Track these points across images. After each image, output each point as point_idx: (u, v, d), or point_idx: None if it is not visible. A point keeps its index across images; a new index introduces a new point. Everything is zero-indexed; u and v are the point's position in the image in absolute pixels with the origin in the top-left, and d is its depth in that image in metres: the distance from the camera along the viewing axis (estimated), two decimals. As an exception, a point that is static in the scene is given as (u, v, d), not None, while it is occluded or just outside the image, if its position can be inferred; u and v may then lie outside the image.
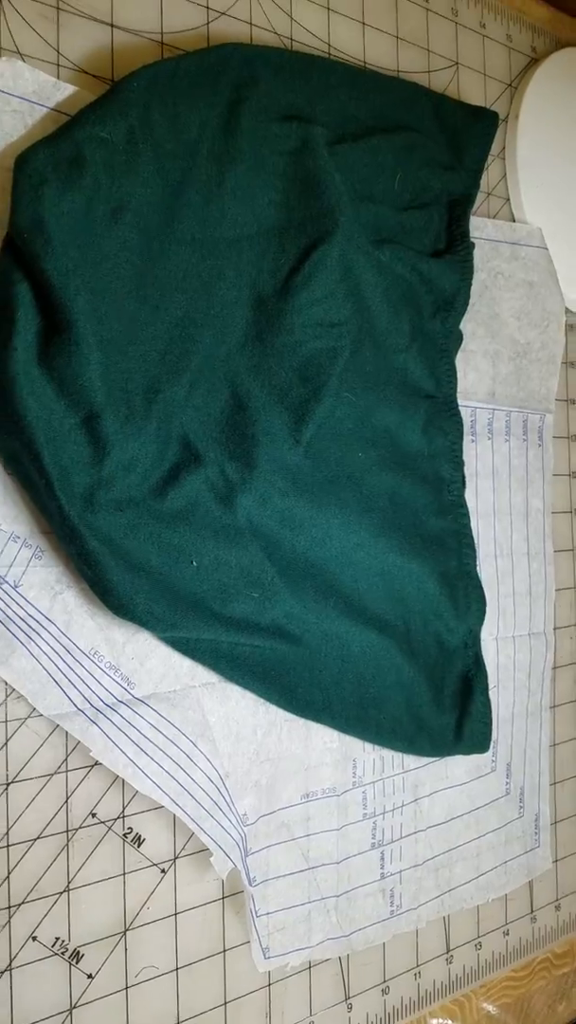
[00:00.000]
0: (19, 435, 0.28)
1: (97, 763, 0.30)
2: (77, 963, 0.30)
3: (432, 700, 0.37)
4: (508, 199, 0.45)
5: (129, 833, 0.31)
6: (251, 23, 0.38)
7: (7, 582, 0.30)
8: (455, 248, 0.40)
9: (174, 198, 0.33)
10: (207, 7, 0.37)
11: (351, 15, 0.41)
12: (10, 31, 0.32)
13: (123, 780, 0.31)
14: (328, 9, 0.40)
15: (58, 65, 0.33)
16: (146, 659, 0.32)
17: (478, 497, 0.41)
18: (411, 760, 0.38)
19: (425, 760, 0.38)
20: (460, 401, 0.40)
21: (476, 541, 0.40)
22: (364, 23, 0.41)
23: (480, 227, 0.43)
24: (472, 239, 0.41)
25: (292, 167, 0.35)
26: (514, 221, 0.45)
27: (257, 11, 0.38)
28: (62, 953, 0.30)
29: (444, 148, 0.41)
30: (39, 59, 0.32)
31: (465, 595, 0.38)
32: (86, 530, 0.29)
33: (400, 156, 0.39)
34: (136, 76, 0.32)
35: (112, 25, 0.34)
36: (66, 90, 0.32)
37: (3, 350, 0.28)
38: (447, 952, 0.40)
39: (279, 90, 0.36)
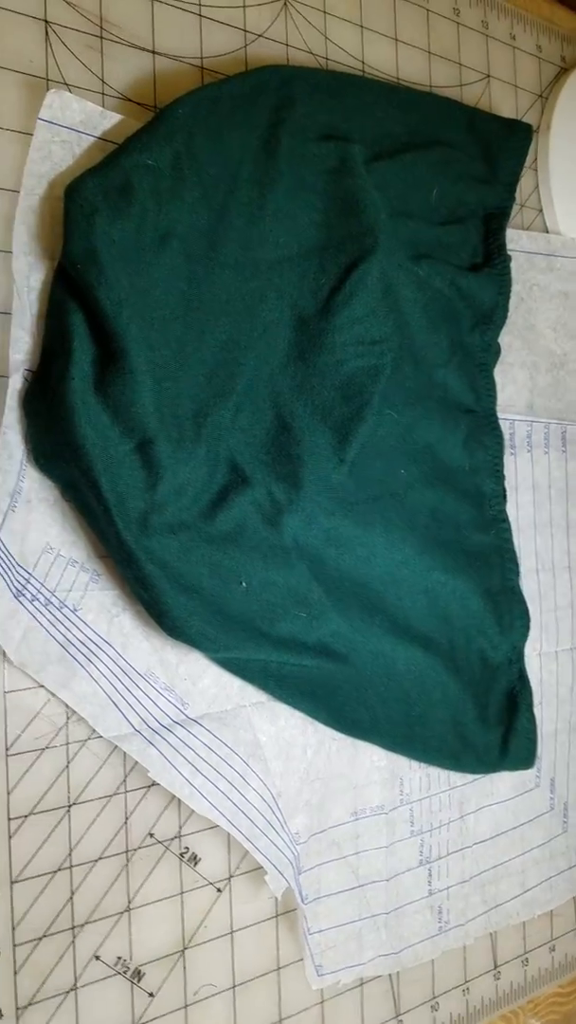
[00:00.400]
0: (77, 463, 0.29)
1: (154, 783, 0.31)
2: (139, 982, 0.30)
3: (477, 717, 0.37)
4: (541, 210, 0.45)
5: (186, 852, 0.32)
6: (287, 44, 0.38)
7: (67, 607, 0.30)
8: (492, 262, 0.40)
9: (217, 222, 0.33)
10: (244, 30, 0.37)
11: (384, 32, 0.41)
12: (56, 62, 0.32)
13: (179, 800, 0.31)
14: (361, 27, 0.41)
15: (103, 94, 0.33)
16: (198, 679, 0.32)
17: (518, 510, 0.41)
18: (457, 777, 0.38)
19: (470, 777, 0.38)
20: (499, 414, 0.41)
21: (518, 555, 0.40)
22: (397, 39, 0.42)
23: (515, 239, 0.43)
24: (508, 252, 0.41)
25: (331, 186, 0.36)
26: (548, 232, 0.45)
27: (293, 32, 0.38)
28: (124, 972, 0.30)
29: (479, 161, 0.41)
30: (85, 88, 0.33)
31: (508, 611, 0.38)
32: (142, 554, 0.29)
33: (436, 171, 0.39)
34: (180, 103, 0.32)
35: (154, 52, 0.34)
36: (112, 118, 0.33)
37: (61, 380, 0.29)
38: (495, 968, 0.40)
39: (317, 110, 0.36)
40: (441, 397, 0.38)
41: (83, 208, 0.30)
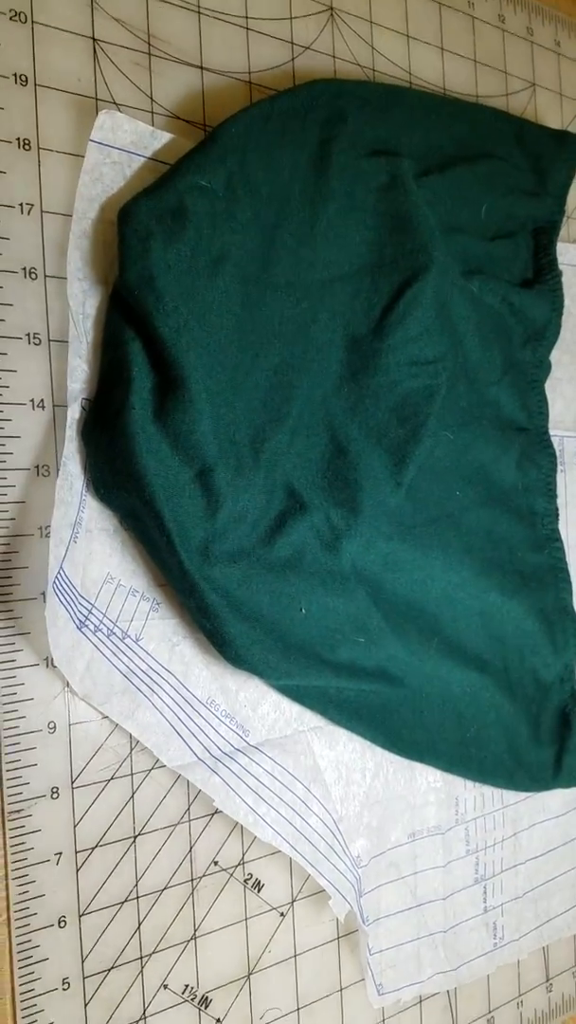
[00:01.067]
0: (139, 493, 0.28)
1: (217, 811, 0.31)
2: (206, 1008, 0.30)
3: (531, 736, 0.37)
4: (587, 221, 0.45)
5: (249, 879, 0.32)
6: (334, 56, 0.38)
7: (129, 636, 0.30)
8: (543, 277, 0.39)
9: (269, 243, 0.33)
10: (291, 43, 0.36)
11: (430, 41, 0.40)
12: (105, 81, 0.32)
13: (241, 827, 0.31)
14: (408, 37, 0.40)
15: (152, 112, 0.33)
16: (258, 705, 0.32)
17: (568, 528, 0.41)
18: (510, 795, 0.38)
19: (523, 795, 0.38)
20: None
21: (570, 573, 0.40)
22: (443, 48, 0.41)
23: (562, 252, 0.42)
24: (559, 266, 0.40)
25: (383, 203, 0.35)
26: (593, 243, 0.45)
27: (340, 43, 0.38)
28: (192, 1000, 0.30)
29: (528, 174, 0.40)
30: (133, 107, 0.32)
31: (562, 630, 0.38)
32: (204, 583, 0.29)
33: (485, 185, 0.39)
34: (233, 121, 0.32)
35: (202, 67, 0.34)
36: (162, 138, 0.32)
37: (122, 410, 0.28)
38: (547, 981, 0.40)
39: (366, 125, 0.35)
40: (494, 416, 0.37)
41: (138, 232, 0.29)
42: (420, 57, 0.40)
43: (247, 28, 0.35)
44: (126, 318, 0.30)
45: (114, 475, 0.29)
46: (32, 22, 0.30)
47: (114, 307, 0.30)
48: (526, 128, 0.40)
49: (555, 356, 0.41)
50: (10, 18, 0.29)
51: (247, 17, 0.35)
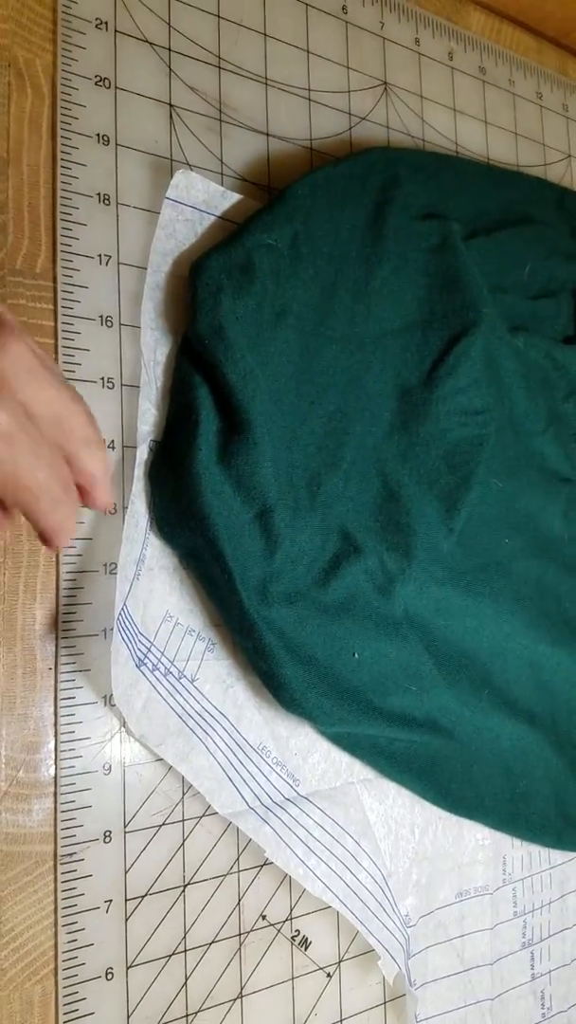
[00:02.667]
0: (202, 532, 0.29)
1: (267, 863, 0.30)
2: (251, 1075, 0.29)
3: (579, 791, 0.36)
4: (622, 283, 0.46)
5: (297, 936, 0.31)
6: (388, 126, 0.40)
7: (185, 676, 0.30)
8: (585, 335, 0.41)
9: (328, 299, 0.34)
10: (349, 113, 0.38)
11: (475, 115, 0.43)
12: (179, 142, 0.33)
13: (290, 880, 0.30)
14: (455, 111, 0.42)
15: (222, 174, 0.34)
16: (308, 754, 0.32)
17: (611, 580, 0.41)
18: (557, 855, 0.37)
19: (571, 855, 0.37)
20: (590, 483, 0.41)
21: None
22: (487, 122, 0.43)
23: (600, 312, 0.44)
24: (596, 325, 0.42)
25: (434, 263, 0.37)
26: (629, 304, 0.46)
27: (393, 115, 0.40)
28: (236, 1065, 0.29)
29: (567, 238, 0.42)
30: (204, 168, 0.34)
31: (610, 682, 0.38)
32: (262, 623, 0.29)
33: (528, 247, 0.40)
34: (300, 184, 0.33)
35: (268, 134, 0.36)
36: (231, 198, 0.34)
37: (188, 451, 0.29)
38: (595, 1057, 0.38)
39: (419, 189, 0.37)
40: (539, 466, 0.38)
41: (209, 286, 0.30)
42: (465, 129, 0.42)
43: (309, 99, 0.37)
44: (195, 366, 0.31)
45: (178, 513, 0.29)
46: (115, 87, 0.32)
47: (184, 355, 0.31)
48: (567, 195, 0.42)
49: (595, 411, 0.42)
50: (95, 83, 0.31)
51: (309, 89, 0.37)
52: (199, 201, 0.33)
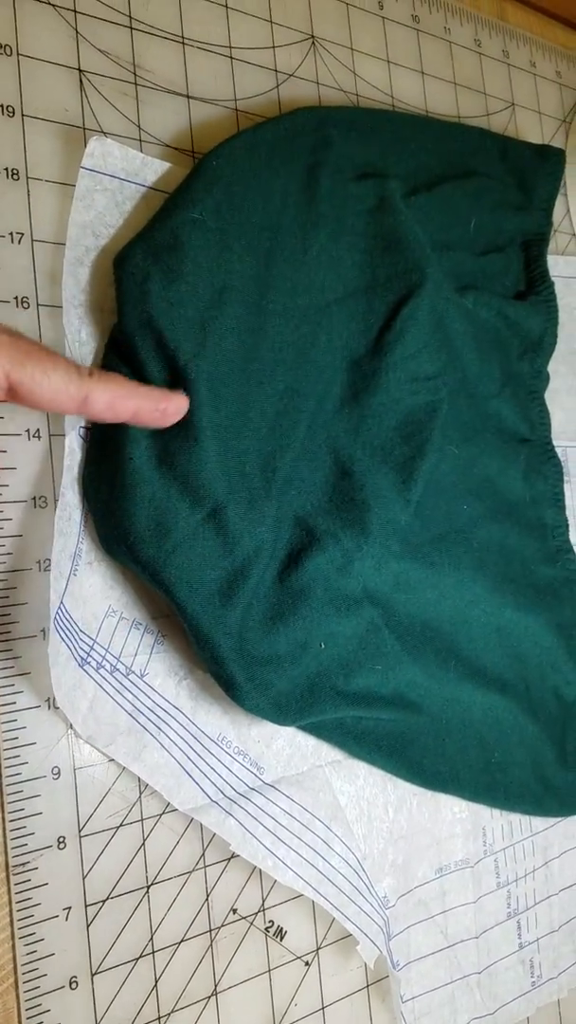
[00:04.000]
0: (136, 554, 0.27)
1: (234, 856, 0.29)
2: (231, 1073, 0.28)
3: (556, 758, 0.35)
4: (574, 234, 0.45)
5: (271, 927, 0.30)
6: (318, 82, 0.38)
7: (133, 672, 0.29)
8: (536, 288, 0.39)
9: (264, 270, 0.32)
10: (275, 70, 0.37)
11: (410, 66, 0.41)
12: (92, 110, 0.32)
13: (260, 871, 0.29)
14: (388, 62, 0.40)
15: (141, 140, 0.33)
16: (272, 741, 0.31)
17: (578, 540, 0.40)
18: (538, 822, 0.36)
19: (551, 820, 0.37)
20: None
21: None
22: (423, 72, 0.41)
23: (552, 264, 0.42)
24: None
25: (373, 225, 0.35)
26: (582, 255, 0.45)
27: (323, 70, 0.38)
28: (215, 1063, 0.28)
29: (514, 189, 0.40)
30: (122, 136, 0.32)
31: (582, 645, 0.37)
32: (216, 629, 0.28)
33: (472, 201, 0.39)
34: (215, 153, 0.32)
35: (188, 96, 0.34)
36: (153, 165, 0.32)
37: (119, 462, 0.27)
38: (588, 1021, 0.38)
39: (353, 149, 0.36)
40: (496, 428, 0.37)
41: (134, 276, 0.28)
42: (401, 81, 0.41)
43: (231, 57, 0.35)
44: (124, 362, 0.29)
45: (115, 531, 0.28)
46: (17, 54, 0.30)
47: (111, 352, 0.29)
48: (509, 145, 0.41)
49: (552, 367, 0.41)
50: (-5, 52, 0.29)
51: (230, 47, 0.35)
52: (118, 169, 0.31)
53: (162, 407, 0.25)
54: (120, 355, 0.29)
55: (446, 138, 0.39)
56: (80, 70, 0.31)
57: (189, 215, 0.30)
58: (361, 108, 0.38)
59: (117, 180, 0.31)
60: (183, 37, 0.34)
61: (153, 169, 0.32)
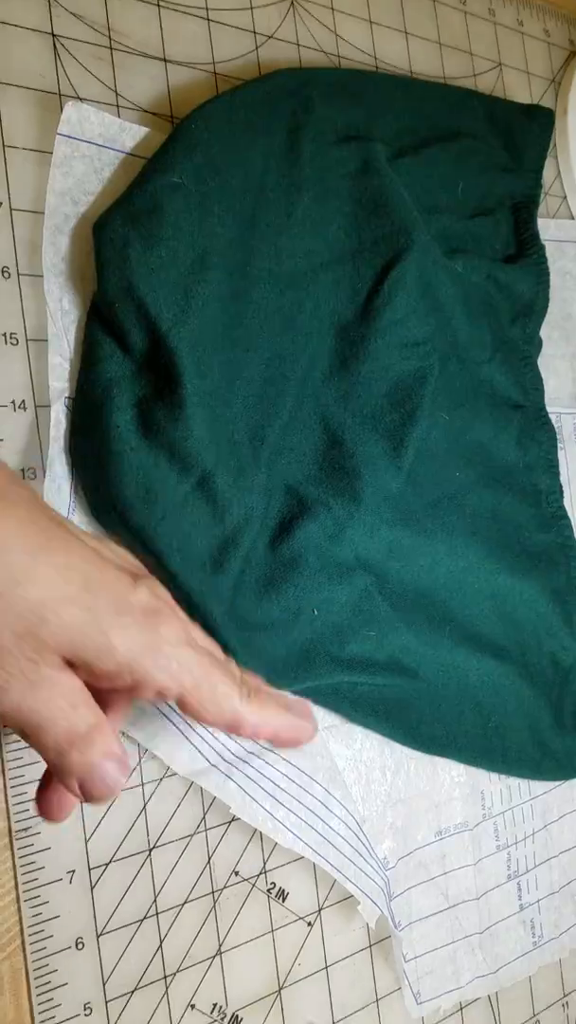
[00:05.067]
0: (125, 521, 0.27)
1: (235, 819, 0.29)
2: (236, 1030, 0.29)
3: (554, 722, 0.36)
4: (566, 197, 0.44)
5: (273, 888, 0.30)
6: (298, 44, 0.37)
7: (129, 642, 0.29)
8: (527, 251, 0.39)
9: (248, 235, 0.32)
10: (254, 32, 0.36)
11: (393, 26, 0.40)
12: (67, 76, 0.31)
13: (261, 834, 0.30)
14: (370, 22, 0.40)
15: (118, 106, 0.32)
16: (269, 706, 0.31)
17: (573, 505, 0.40)
18: (537, 786, 0.37)
19: (551, 784, 0.37)
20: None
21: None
22: (407, 32, 0.41)
23: (543, 228, 0.42)
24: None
25: (357, 189, 0.34)
26: (574, 219, 0.44)
27: (303, 31, 0.37)
28: (221, 1019, 0.28)
29: (501, 151, 0.40)
30: (99, 101, 0.32)
31: (578, 609, 0.37)
32: (209, 597, 0.28)
33: (460, 164, 0.38)
34: (193, 116, 0.31)
35: (165, 60, 0.33)
36: (131, 130, 0.31)
37: (105, 431, 0.27)
38: (591, 977, 0.38)
39: (335, 111, 0.35)
40: (489, 394, 0.37)
41: (114, 242, 0.28)
42: (384, 42, 0.40)
43: (208, 19, 0.35)
44: (106, 332, 0.28)
45: (104, 501, 0.28)
46: (-11, 22, 0.29)
47: (93, 321, 0.29)
48: (497, 105, 0.40)
49: (545, 333, 0.41)
50: (-33, 19, 0.29)
51: (207, 8, 0.35)
52: (95, 135, 0.31)
53: (297, 736, 0.24)
54: (102, 323, 0.28)
55: (431, 99, 0.39)
56: (54, 35, 0.31)
57: (169, 179, 0.29)
58: (343, 70, 0.38)
59: (95, 146, 0.31)
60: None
61: (131, 134, 0.32)
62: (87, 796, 0.20)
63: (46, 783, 0.22)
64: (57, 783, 0.21)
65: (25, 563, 0.18)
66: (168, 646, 0.20)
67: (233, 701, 0.22)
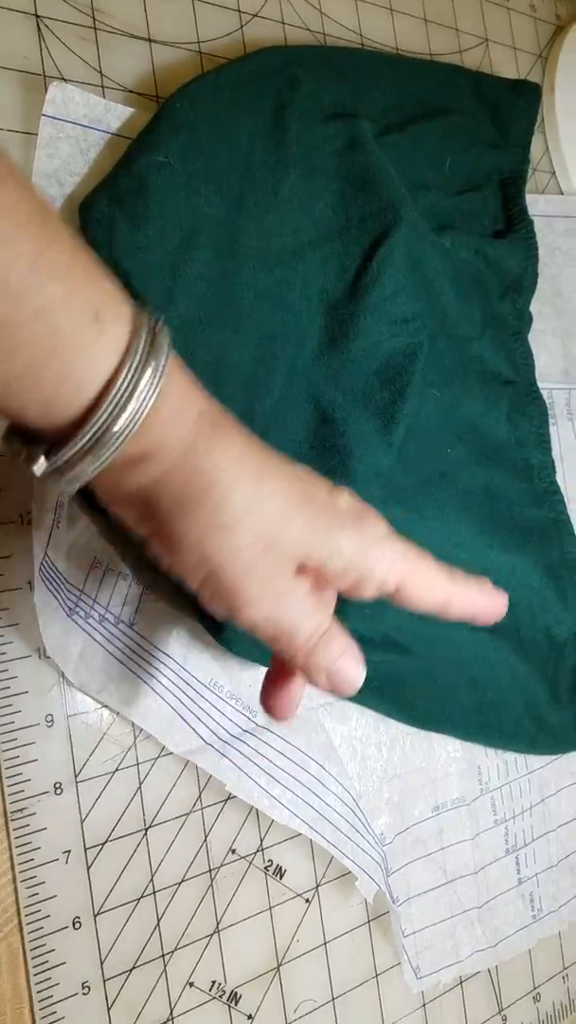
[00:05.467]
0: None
1: (231, 797, 0.29)
2: (236, 1005, 0.29)
3: (549, 696, 0.36)
4: (554, 172, 0.44)
5: (270, 866, 0.30)
6: (283, 22, 0.37)
7: (123, 621, 0.29)
8: (515, 227, 0.39)
9: (235, 213, 0.32)
10: (238, 11, 0.36)
11: (378, 3, 0.40)
12: (52, 57, 0.31)
13: (258, 812, 0.30)
14: (356, 0, 0.39)
15: (103, 87, 0.32)
16: (263, 684, 0.31)
17: (566, 480, 0.40)
18: (534, 760, 0.37)
19: (548, 758, 0.37)
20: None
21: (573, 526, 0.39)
22: (392, 9, 0.40)
23: (531, 203, 0.41)
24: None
25: (344, 166, 0.34)
26: (563, 194, 0.44)
27: (288, 10, 0.37)
28: (220, 996, 0.29)
29: (489, 126, 0.40)
30: (84, 82, 0.31)
31: (571, 585, 0.37)
32: None
33: (447, 140, 0.38)
34: (178, 96, 0.31)
35: (150, 40, 0.33)
36: (116, 110, 0.31)
37: None
38: (590, 951, 0.38)
39: (321, 89, 0.35)
40: (479, 370, 0.36)
41: (100, 222, 0.28)
42: (369, 18, 0.40)
43: (192, -1, 0.35)
44: None
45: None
46: (-30, 2, 0.29)
47: None
48: (482, 80, 0.40)
49: (535, 308, 0.41)
50: (-52, 0, 0.29)
51: (191, -13, 0.34)
52: (80, 116, 0.31)
53: (497, 609, 0.26)
54: None
55: (418, 76, 0.38)
56: (37, 16, 0.31)
57: (155, 159, 0.29)
58: (329, 47, 0.37)
59: (80, 127, 0.31)
60: (142, -21, 0.33)
61: (116, 115, 0.31)
62: (336, 690, 0.22)
63: (273, 686, 0.24)
64: (284, 685, 0.23)
65: (253, 491, 0.20)
66: (379, 542, 0.22)
67: (443, 582, 0.23)
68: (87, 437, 0.18)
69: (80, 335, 0.17)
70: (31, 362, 0.17)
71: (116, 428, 0.18)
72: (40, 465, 0.18)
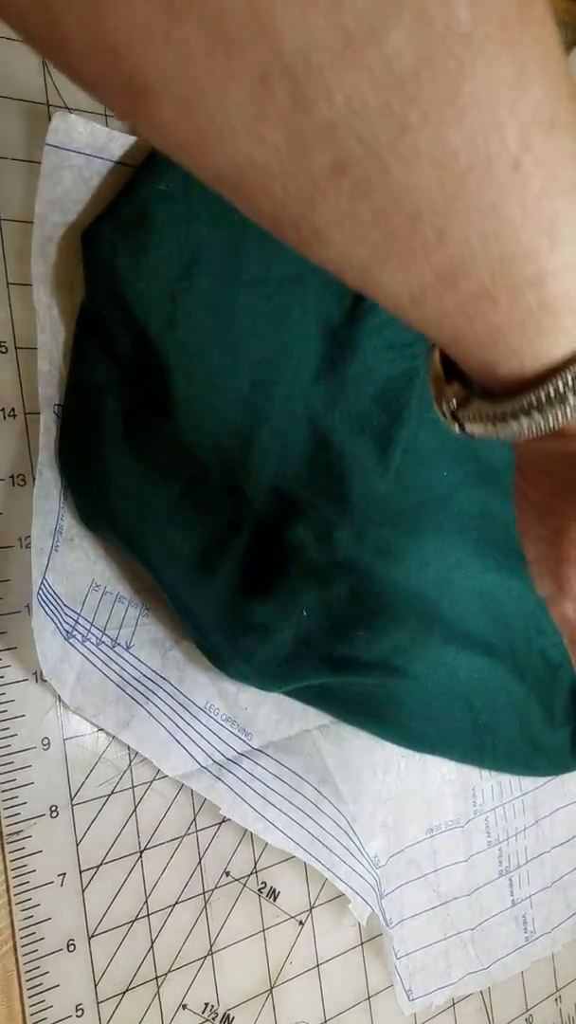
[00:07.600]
0: (114, 528, 0.28)
1: (225, 819, 0.30)
2: (229, 1028, 0.29)
3: (544, 718, 0.36)
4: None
5: (264, 888, 0.30)
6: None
7: (120, 644, 0.29)
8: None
9: (237, 241, 0.32)
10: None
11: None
12: (56, 86, 0.31)
13: (252, 834, 0.30)
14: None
15: (106, 115, 0.32)
16: (259, 706, 0.31)
17: (562, 502, 0.40)
18: (528, 782, 0.37)
19: (542, 780, 0.37)
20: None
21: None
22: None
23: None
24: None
25: None
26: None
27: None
28: (213, 1019, 0.29)
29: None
30: (87, 111, 0.32)
31: (566, 605, 0.37)
32: (197, 602, 0.28)
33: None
34: None
35: (153, 68, 0.34)
36: (119, 139, 0.32)
37: (94, 439, 0.27)
38: (583, 973, 0.39)
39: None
40: (476, 394, 0.37)
41: (102, 251, 0.28)
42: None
43: (196, 27, 0.35)
44: (95, 341, 0.29)
45: (95, 511, 0.28)
46: (-23, 33, 0.30)
47: (81, 331, 0.29)
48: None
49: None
50: (-45, 31, 0.29)
51: (195, 16, 0.35)
52: (84, 145, 0.31)
53: None
54: (91, 330, 0.29)
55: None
56: (42, 46, 0.31)
57: (156, 188, 0.30)
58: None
59: (83, 156, 0.31)
60: (146, 8, 0.34)
61: (119, 143, 0.32)
62: None
63: None
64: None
65: None
66: None
67: None
68: (545, 393, 0.15)
69: None
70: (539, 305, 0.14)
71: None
72: (476, 408, 0.17)
